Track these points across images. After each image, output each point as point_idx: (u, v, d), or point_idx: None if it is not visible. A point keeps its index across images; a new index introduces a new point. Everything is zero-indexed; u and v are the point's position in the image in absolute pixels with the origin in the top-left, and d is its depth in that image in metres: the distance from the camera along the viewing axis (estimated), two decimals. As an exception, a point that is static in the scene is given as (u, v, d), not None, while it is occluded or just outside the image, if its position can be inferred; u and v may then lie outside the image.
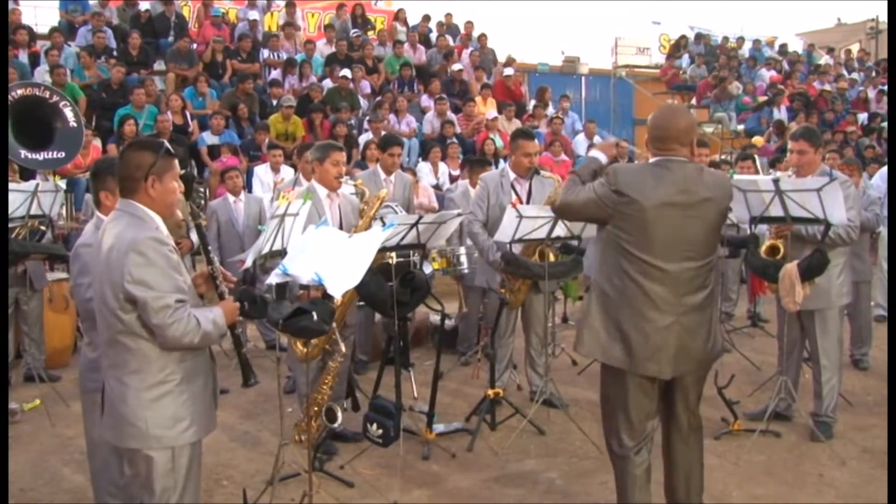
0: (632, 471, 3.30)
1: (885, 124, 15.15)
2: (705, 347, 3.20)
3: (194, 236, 5.49)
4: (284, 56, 12.49)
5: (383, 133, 9.64)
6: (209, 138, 10.09)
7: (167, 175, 2.82)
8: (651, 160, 3.19)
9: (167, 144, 2.87)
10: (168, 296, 2.68)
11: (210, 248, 3.06)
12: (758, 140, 12.58)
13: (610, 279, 3.17)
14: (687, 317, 3.11)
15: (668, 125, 3.15)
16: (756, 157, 9.30)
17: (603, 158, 3.48)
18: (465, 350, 6.74)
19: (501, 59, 14.72)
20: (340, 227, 4.48)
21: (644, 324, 3.08)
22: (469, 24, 15.35)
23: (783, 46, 19.67)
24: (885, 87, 17.27)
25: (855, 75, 18.48)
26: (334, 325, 3.77)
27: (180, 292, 2.73)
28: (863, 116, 15.86)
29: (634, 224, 3.06)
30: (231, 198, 7.02)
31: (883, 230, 7.21)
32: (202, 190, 9.01)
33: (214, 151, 9.82)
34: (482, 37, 14.95)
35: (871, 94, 17.05)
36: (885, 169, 7.59)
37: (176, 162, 2.89)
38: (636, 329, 3.09)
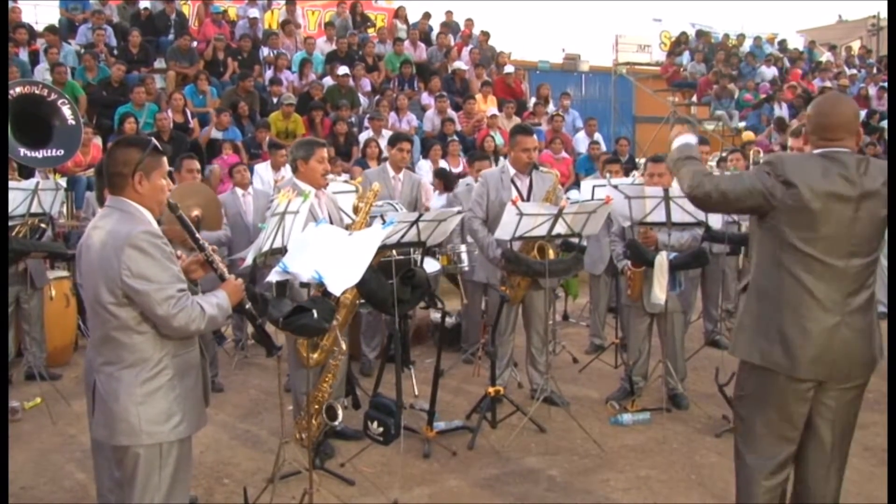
0: (756, 491, 3.03)
1: (883, 123, 15.12)
2: (871, 351, 2.96)
3: (204, 234, 5.50)
4: (285, 54, 12.48)
5: (389, 134, 9.64)
6: (213, 132, 10.09)
7: (155, 172, 2.85)
8: (815, 151, 2.96)
9: (155, 142, 2.90)
10: (169, 286, 2.71)
11: (198, 234, 3.06)
12: (748, 135, 12.58)
13: (769, 276, 2.96)
14: (853, 317, 2.89)
15: (835, 112, 2.95)
16: (750, 153, 9.29)
17: (693, 139, 3.24)
18: (469, 348, 6.74)
19: (503, 57, 14.69)
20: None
21: (808, 323, 2.86)
22: (469, 22, 15.33)
23: (783, 43, 19.65)
24: (886, 84, 17.25)
25: (855, 72, 18.44)
26: (336, 324, 3.77)
27: (180, 282, 2.77)
28: (863, 113, 15.83)
29: (801, 216, 2.84)
30: (239, 191, 7.04)
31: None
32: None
33: (216, 147, 9.81)
34: (483, 34, 14.94)
35: (872, 91, 17.02)
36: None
37: (164, 160, 2.91)
38: (798, 329, 2.87)
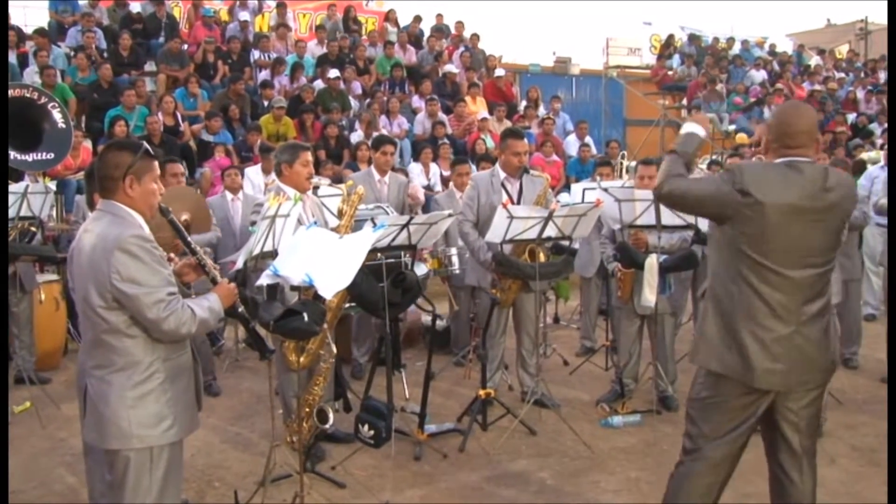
0: (692, 490, 3.09)
1: (872, 125, 15.22)
2: (825, 357, 3.00)
3: (194, 237, 5.49)
4: (275, 57, 12.47)
5: (374, 134, 9.66)
6: (204, 135, 10.07)
7: (146, 176, 2.85)
8: (777, 160, 2.98)
9: (146, 146, 2.90)
10: (159, 290, 2.71)
11: (189, 238, 3.06)
12: (742, 137, 12.63)
13: (726, 285, 2.98)
14: (807, 326, 2.92)
15: (798, 121, 2.97)
16: (746, 155, 9.35)
17: (701, 132, 3.17)
18: (459, 351, 6.75)
19: (492, 60, 14.71)
20: None
21: (763, 333, 2.90)
22: (459, 25, 15.34)
23: (772, 47, 19.76)
24: (874, 88, 17.36)
25: (843, 76, 18.56)
26: (326, 326, 3.77)
27: (170, 285, 2.77)
28: (852, 117, 15.94)
29: (757, 227, 2.86)
30: (229, 196, 7.01)
31: (867, 229, 7.26)
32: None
33: (207, 150, 9.79)
34: (473, 37, 14.96)
35: (860, 94, 17.14)
36: (871, 169, 7.65)
37: (155, 163, 2.91)
38: (754, 338, 2.90)
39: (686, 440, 3.15)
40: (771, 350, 2.89)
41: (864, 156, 11.41)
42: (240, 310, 3.09)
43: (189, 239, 3.01)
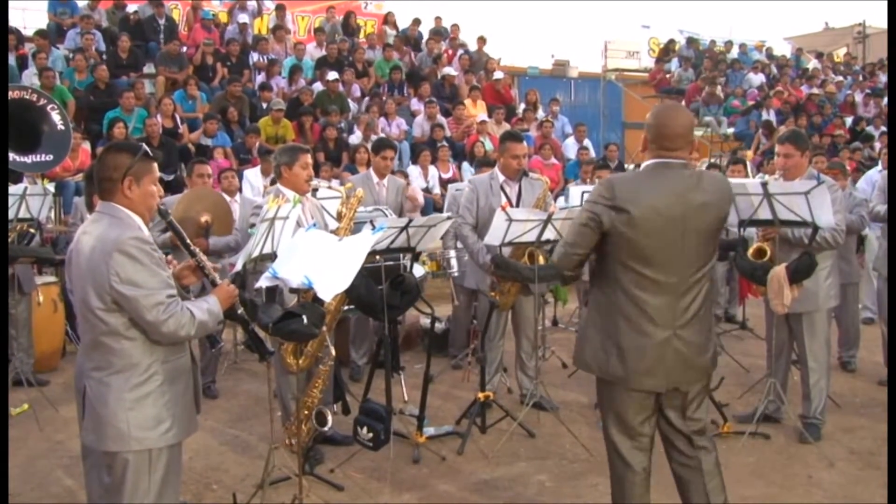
0: (627, 475, 3.17)
1: (869, 128, 15.25)
2: (703, 357, 3.08)
3: (213, 240, 5.50)
4: (274, 59, 12.48)
5: (373, 136, 9.65)
6: (202, 139, 10.06)
7: (145, 178, 2.85)
8: (648, 162, 3.05)
9: (145, 148, 2.90)
10: (158, 292, 2.70)
11: (188, 240, 3.06)
12: (748, 154, 12.60)
13: (605, 291, 3.06)
14: (684, 329, 3.00)
15: (671, 123, 3.00)
16: (747, 162, 9.36)
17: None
18: (456, 353, 6.74)
19: (491, 63, 14.72)
20: None
21: (641, 338, 2.97)
22: (454, 27, 15.33)
23: (770, 50, 19.80)
24: (872, 91, 17.39)
25: (841, 79, 18.60)
26: (325, 329, 3.77)
27: (169, 287, 2.77)
28: (850, 120, 15.98)
29: (631, 238, 2.92)
30: (226, 198, 6.98)
31: (869, 232, 7.26)
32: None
33: (206, 153, 9.78)
34: (479, 39, 14.97)
35: (858, 97, 17.18)
36: (870, 172, 7.65)
37: (154, 165, 2.91)
38: (633, 343, 2.98)
39: (607, 445, 3.22)
40: (648, 354, 2.97)
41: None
42: (239, 311, 3.08)
43: (188, 241, 3.01)
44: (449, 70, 13.62)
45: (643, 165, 3.09)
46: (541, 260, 5.13)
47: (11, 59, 10.50)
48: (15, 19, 12.31)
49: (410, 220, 4.59)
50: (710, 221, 3.00)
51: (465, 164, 10.97)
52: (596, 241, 3.00)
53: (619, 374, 3.02)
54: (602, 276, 3.09)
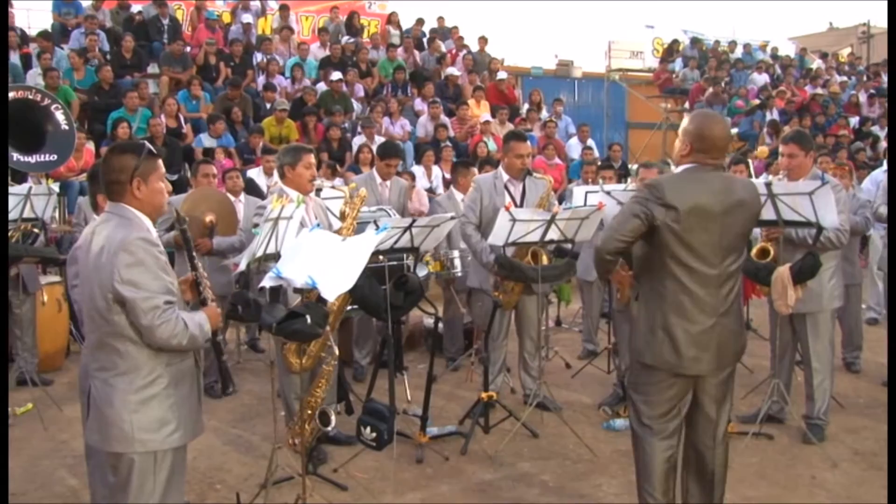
0: (656, 464, 3.34)
1: (874, 128, 15.21)
2: (739, 343, 3.38)
3: (217, 240, 5.51)
4: (278, 59, 12.49)
5: (381, 140, 9.63)
6: (206, 140, 10.06)
7: (152, 176, 2.85)
8: (688, 165, 3.28)
9: (149, 146, 2.90)
10: (157, 297, 2.70)
11: (195, 254, 3.06)
12: (762, 151, 12.50)
13: (653, 284, 3.27)
14: (725, 317, 3.26)
15: (711, 134, 3.24)
16: (750, 161, 9.33)
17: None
18: (453, 356, 6.72)
19: (495, 63, 14.72)
20: None
21: (690, 326, 3.21)
22: (455, 29, 15.31)
23: (775, 50, 19.76)
24: (876, 91, 17.35)
25: (846, 79, 18.56)
26: (328, 329, 3.77)
27: (169, 293, 2.76)
28: (854, 120, 15.94)
29: (680, 232, 3.15)
30: (231, 198, 6.98)
31: (873, 233, 7.24)
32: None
33: (209, 155, 9.79)
34: (481, 39, 14.97)
35: (863, 97, 17.14)
36: (875, 173, 7.63)
37: (160, 163, 2.91)
38: (682, 330, 3.21)
39: (635, 422, 3.43)
40: (697, 340, 3.22)
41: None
42: (219, 338, 3.08)
43: (194, 253, 3.02)
44: (452, 70, 13.62)
45: (682, 168, 3.32)
46: (544, 260, 5.13)
47: (16, 59, 10.53)
48: (20, 19, 12.34)
49: (414, 221, 4.60)
50: (747, 217, 3.29)
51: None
52: (642, 232, 3.21)
53: (671, 361, 3.24)
54: (651, 270, 3.29)
